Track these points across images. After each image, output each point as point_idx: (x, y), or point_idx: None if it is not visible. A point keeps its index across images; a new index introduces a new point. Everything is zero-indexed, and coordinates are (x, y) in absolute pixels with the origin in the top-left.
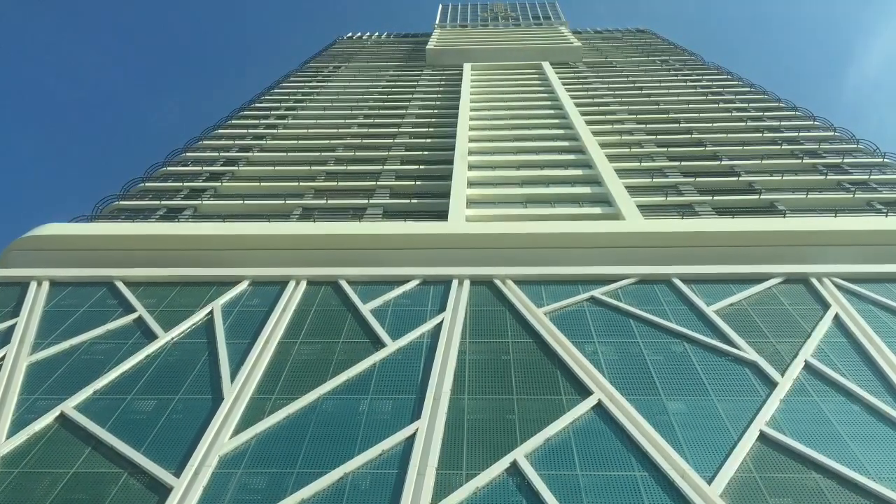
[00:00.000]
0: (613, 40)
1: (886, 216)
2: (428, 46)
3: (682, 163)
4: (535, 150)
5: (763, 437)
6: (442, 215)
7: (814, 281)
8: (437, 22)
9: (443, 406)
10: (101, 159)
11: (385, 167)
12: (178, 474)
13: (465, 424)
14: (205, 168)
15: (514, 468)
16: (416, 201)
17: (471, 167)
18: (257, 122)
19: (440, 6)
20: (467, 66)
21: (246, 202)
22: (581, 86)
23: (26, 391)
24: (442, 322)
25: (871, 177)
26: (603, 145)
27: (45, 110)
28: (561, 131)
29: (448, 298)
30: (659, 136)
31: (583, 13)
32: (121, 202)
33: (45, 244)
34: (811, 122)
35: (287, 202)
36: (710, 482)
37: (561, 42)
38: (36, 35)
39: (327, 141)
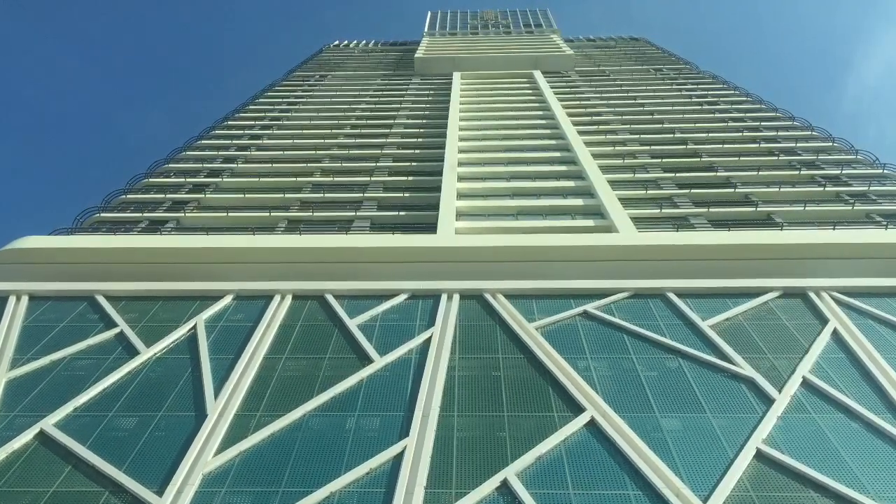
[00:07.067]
0: (607, 49)
1: (886, 229)
2: (416, 55)
3: (677, 174)
4: (527, 160)
5: (760, 454)
6: (431, 228)
7: (812, 295)
8: (425, 30)
9: (432, 423)
10: (81, 170)
11: (373, 178)
12: (160, 493)
13: (454, 442)
14: (188, 179)
15: (505, 487)
16: (404, 214)
17: (460, 178)
18: (242, 132)
19: (429, 13)
20: (457, 75)
21: (230, 214)
22: (573, 95)
23: (5, 408)
24: (431, 337)
25: (871, 188)
26: (596, 156)
27: (24, 119)
28: (553, 142)
29: (437, 313)
30: (653, 147)
31: (576, 21)
32: (102, 214)
33: (24, 257)
34: (809, 133)
35: (272, 214)
36: (705, 501)
37: (553, 50)
38: (13, 41)
39: (313, 152)
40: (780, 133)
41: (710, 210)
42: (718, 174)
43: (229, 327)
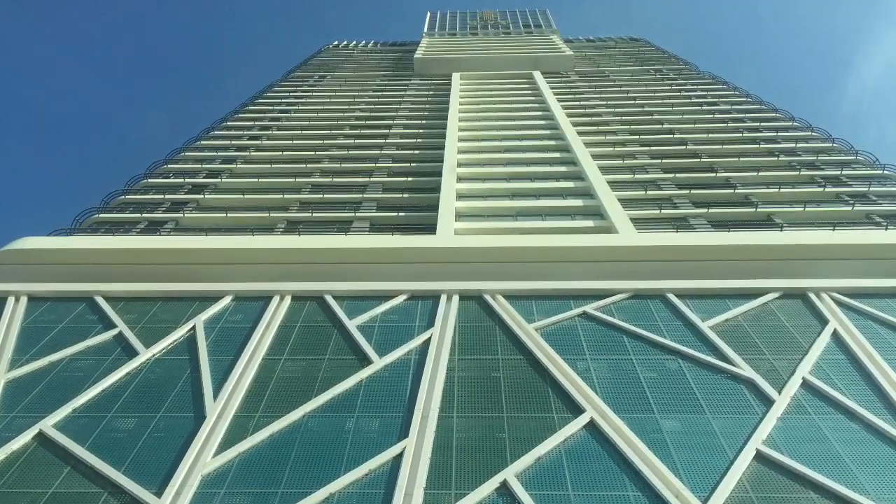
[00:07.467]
0: (606, 49)
1: (886, 229)
2: (416, 55)
3: (677, 175)
4: (526, 161)
5: (760, 455)
6: (430, 229)
7: (811, 296)
8: (425, 30)
9: (431, 424)
10: (80, 170)
11: (372, 179)
12: (159, 494)
13: (453, 443)
14: (187, 180)
15: (505, 488)
16: (403, 214)
17: (460, 179)
18: (241, 132)
19: (428, 14)
20: (456, 76)
21: (229, 215)
22: (573, 96)
23: (3, 409)
24: (430, 338)
25: (871, 189)
26: (595, 157)
27: (24, 119)
28: (552, 142)
29: (436, 314)
30: (653, 148)
31: (576, 21)
32: (101, 215)
33: (23, 258)
34: (809, 133)
35: (271, 215)
36: (705, 502)
37: (552, 51)
38: (14, 41)
39: (313, 152)
40: (779, 133)
41: (710, 211)
42: (718, 175)
43: (228, 328)
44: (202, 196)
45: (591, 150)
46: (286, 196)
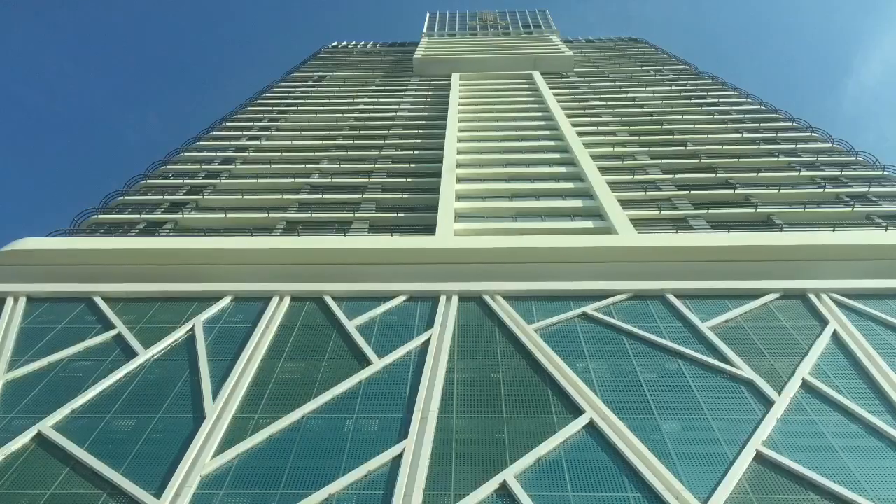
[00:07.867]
0: (606, 49)
1: (886, 230)
2: (415, 56)
3: (677, 175)
4: (526, 162)
5: (759, 456)
6: (429, 229)
7: (811, 297)
8: (424, 30)
9: (430, 425)
10: (78, 172)
11: (371, 180)
12: (158, 495)
13: (453, 444)
14: (186, 181)
15: (504, 489)
16: (402, 215)
17: (459, 180)
18: (240, 133)
19: (427, 14)
20: (455, 76)
21: (228, 216)
22: (572, 96)
23: (2, 410)
24: (429, 339)
25: (871, 190)
26: (595, 157)
27: (23, 120)
28: (552, 143)
29: (436, 314)
30: (652, 148)
31: (575, 22)
32: (100, 216)
33: (22, 259)
34: (809, 134)
35: (270, 216)
36: (705, 503)
37: (552, 51)
38: (13, 41)
39: (312, 153)
40: (779, 134)
41: (710, 211)
42: (718, 175)
43: (227, 329)
44: (201, 197)
45: (590, 151)
46: (285, 196)
